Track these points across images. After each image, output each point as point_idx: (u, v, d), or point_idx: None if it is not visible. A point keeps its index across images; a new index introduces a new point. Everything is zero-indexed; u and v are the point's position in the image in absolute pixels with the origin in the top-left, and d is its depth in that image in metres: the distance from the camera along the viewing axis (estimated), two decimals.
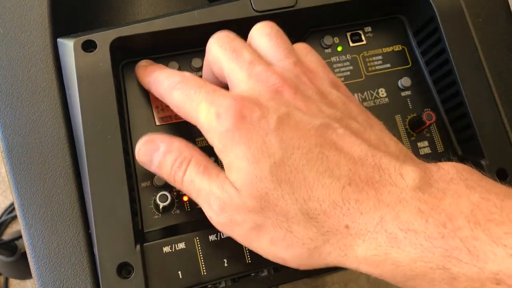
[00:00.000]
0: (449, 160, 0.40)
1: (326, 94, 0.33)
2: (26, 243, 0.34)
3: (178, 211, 0.38)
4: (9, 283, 0.99)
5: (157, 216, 0.37)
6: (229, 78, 0.33)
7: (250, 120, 0.30)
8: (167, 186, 0.38)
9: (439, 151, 0.42)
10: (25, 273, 0.86)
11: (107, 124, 0.34)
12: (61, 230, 0.34)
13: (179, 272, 0.35)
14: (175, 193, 0.38)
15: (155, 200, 0.36)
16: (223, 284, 0.37)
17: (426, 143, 0.42)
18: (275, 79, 0.31)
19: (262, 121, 0.30)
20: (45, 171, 0.35)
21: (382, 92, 0.43)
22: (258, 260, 0.36)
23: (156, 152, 0.33)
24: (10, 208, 1.02)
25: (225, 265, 0.35)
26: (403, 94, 0.43)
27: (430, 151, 0.42)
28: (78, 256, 0.34)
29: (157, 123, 0.39)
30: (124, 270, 0.33)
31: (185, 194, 0.38)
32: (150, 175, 0.38)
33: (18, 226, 1.03)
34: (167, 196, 0.36)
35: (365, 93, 0.42)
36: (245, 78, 0.32)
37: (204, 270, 0.35)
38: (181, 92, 0.33)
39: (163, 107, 0.39)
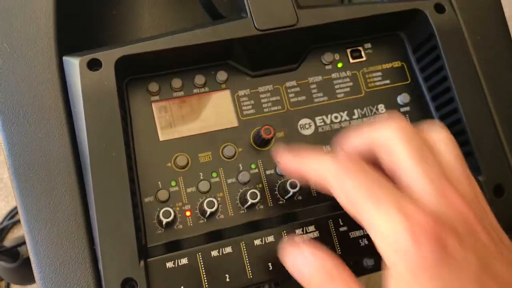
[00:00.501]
0: None
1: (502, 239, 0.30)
2: (32, 259, 0.34)
3: (181, 226, 0.38)
4: (11, 286, 1.00)
5: (160, 231, 0.38)
6: (410, 183, 0.29)
7: (451, 255, 0.26)
8: (170, 201, 0.38)
9: None
10: (26, 279, 0.87)
11: (112, 142, 0.35)
12: (66, 246, 0.35)
13: (182, 287, 0.35)
14: (177, 208, 0.38)
15: (158, 215, 0.37)
16: None
17: None
18: (467, 211, 0.28)
19: (463, 260, 0.26)
20: (51, 188, 0.35)
21: (381, 108, 0.43)
22: (260, 275, 0.36)
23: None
24: (12, 214, 1.02)
25: (227, 280, 0.36)
26: (402, 110, 0.44)
27: None
28: (83, 272, 0.34)
29: (161, 139, 0.40)
30: (128, 285, 0.34)
31: (188, 209, 0.39)
32: (155, 189, 0.38)
33: (20, 232, 1.04)
34: (170, 212, 0.36)
35: (365, 109, 0.43)
36: (433, 193, 0.28)
37: (206, 285, 0.36)
38: (358, 184, 0.28)
39: (168, 124, 0.40)
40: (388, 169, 0.31)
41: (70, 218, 0.35)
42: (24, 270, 0.85)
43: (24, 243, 0.82)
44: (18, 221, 1.03)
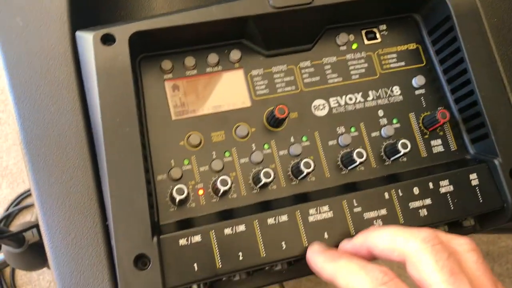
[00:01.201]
0: (463, 158, 0.41)
1: None
2: (44, 234, 0.34)
3: (193, 205, 0.38)
4: (16, 274, 1.00)
5: (172, 209, 0.38)
6: None
7: None
8: (183, 180, 0.38)
9: (452, 149, 0.42)
10: (32, 265, 0.86)
11: (126, 118, 0.35)
12: (78, 221, 0.34)
13: (195, 265, 0.35)
14: (190, 187, 0.38)
15: (171, 193, 0.36)
16: (237, 277, 0.37)
17: (439, 141, 0.42)
18: None
19: None
20: (63, 163, 0.35)
21: (396, 90, 0.43)
22: (273, 254, 0.36)
23: None
24: (17, 200, 1.02)
25: (240, 258, 0.36)
26: (417, 92, 0.43)
27: (443, 150, 0.42)
28: (95, 247, 0.34)
29: (173, 118, 0.39)
30: (140, 261, 0.34)
31: (200, 188, 0.38)
32: (167, 167, 0.38)
33: (26, 218, 1.04)
34: (183, 189, 0.36)
35: (380, 90, 0.43)
36: None
37: (220, 263, 0.35)
38: None
39: (181, 103, 0.40)
40: (416, 279, 0.31)
41: (83, 193, 0.35)
42: (29, 255, 0.85)
43: (30, 228, 0.82)
44: (24, 208, 1.03)
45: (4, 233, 0.75)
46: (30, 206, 1.03)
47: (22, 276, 1.00)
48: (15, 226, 0.88)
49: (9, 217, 1.02)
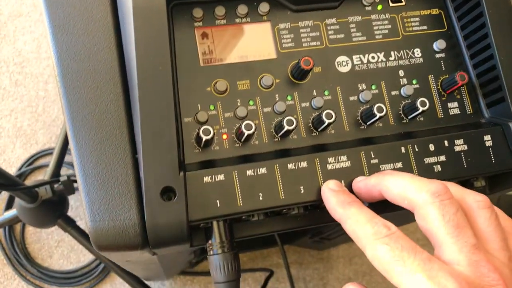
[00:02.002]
0: (478, 121, 0.42)
1: None
2: (75, 163, 0.36)
3: (217, 148, 0.40)
4: (25, 232, 1.02)
5: (197, 151, 0.39)
6: (442, 249, 0.32)
7: None
8: (209, 123, 0.40)
9: (467, 112, 0.44)
10: (42, 221, 0.88)
11: (159, 56, 0.36)
12: (109, 152, 0.36)
13: (217, 201, 0.37)
14: (215, 131, 0.40)
15: (198, 133, 0.38)
16: (255, 218, 0.39)
17: (456, 104, 0.43)
18: (497, 279, 0.30)
19: None
20: (97, 97, 0.37)
21: (417, 52, 0.44)
22: (292, 197, 0.38)
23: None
24: (30, 160, 1.04)
25: (260, 198, 0.37)
26: (437, 56, 0.44)
27: (459, 112, 0.43)
28: (125, 177, 0.36)
29: (201, 64, 0.41)
30: (167, 194, 0.35)
31: (224, 133, 0.40)
32: (194, 111, 0.39)
33: (37, 178, 1.05)
34: (209, 130, 0.37)
35: (401, 52, 0.44)
36: (464, 261, 0.30)
37: (241, 202, 0.37)
38: (390, 248, 0.31)
39: (209, 50, 0.41)
40: (423, 228, 0.33)
41: (115, 126, 0.36)
42: (41, 212, 0.86)
43: (43, 184, 0.84)
44: (36, 168, 1.05)
45: (19, 185, 0.77)
46: (43, 166, 1.04)
47: (31, 234, 1.03)
48: (29, 182, 0.90)
49: (22, 176, 1.04)
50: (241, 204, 0.37)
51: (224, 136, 0.40)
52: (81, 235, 0.92)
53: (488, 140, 0.41)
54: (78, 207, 1.05)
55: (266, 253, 1.08)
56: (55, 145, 0.95)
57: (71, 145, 0.36)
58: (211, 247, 0.38)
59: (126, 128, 0.36)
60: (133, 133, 0.37)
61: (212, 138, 0.38)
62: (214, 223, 0.38)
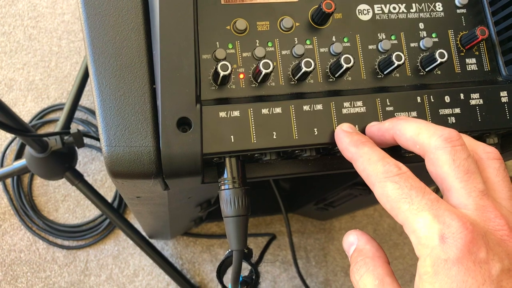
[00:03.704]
0: (495, 79, 0.42)
1: None
2: (94, 88, 0.36)
3: (233, 86, 0.40)
4: (33, 184, 1.03)
5: (214, 88, 0.39)
6: (451, 193, 0.32)
7: (475, 259, 0.28)
8: (227, 60, 0.40)
9: (485, 69, 0.43)
10: (51, 173, 0.89)
11: None
12: (128, 79, 0.36)
13: (232, 136, 0.37)
14: (232, 70, 0.40)
15: (216, 69, 0.38)
16: (268, 157, 0.39)
17: (474, 60, 0.43)
18: (503, 225, 0.30)
19: (484, 265, 0.28)
20: (118, 24, 0.37)
21: (439, 6, 0.44)
22: (305, 138, 0.38)
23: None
24: (41, 114, 1.05)
25: (274, 137, 0.37)
26: (458, 11, 0.44)
27: (476, 69, 0.43)
28: (142, 105, 0.36)
29: (222, 2, 0.41)
30: (183, 125, 0.36)
31: (242, 72, 0.40)
32: (212, 48, 0.40)
33: (47, 131, 1.06)
34: (227, 66, 0.37)
35: (423, 4, 0.44)
36: (471, 205, 0.31)
37: (254, 138, 0.37)
38: (399, 187, 0.31)
39: None
40: (432, 173, 0.33)
41: (134, 55, 0.36)
42: (50, 162, 0.87)
43: (54, 134, 0.85)
44: (47, 122, 1.05)
45: (31, 132, 0.77)
46: (53, 121, 1.05)
47: (39, 187, 1.04)
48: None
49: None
50: (255, 141, 0.37)
51: (241, 76, 0.40)
52: (88, 190, 0.93)
53: (504, 96, 0.41)
54: (86, 163, 1.06)
55: (269, 220, 1.09)
56: (66, 100, 0.96)
57: (90, 71, 0.36)
58: (223, 182, 0.38)
59: (146, 58, 0.37)
60: (152, 63, 0.37)
61: (230, 74, 0.38)
62: (227, 158, 0.38)
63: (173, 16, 0.36)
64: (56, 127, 0.94)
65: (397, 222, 0.32)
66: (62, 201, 1.04)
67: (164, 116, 0.35)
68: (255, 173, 0.41)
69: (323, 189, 0.81)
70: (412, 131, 0.34)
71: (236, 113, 0.37)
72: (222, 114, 0.37)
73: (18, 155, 1.02)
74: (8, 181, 1.02)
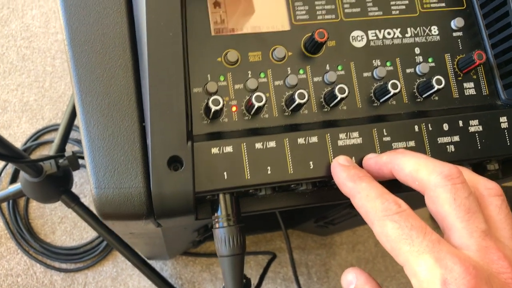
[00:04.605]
0: (494, 103, 0.41)
1: None
2: (82, 127, 0.35)
3: (226, 120, 0.39)
4: (29, 207, 1.02)
5: (206, 122, 0.38)
6: (452, 232, 0.31)
7: None
8: (218, 94, 0.39)
9: (484, 93, 0.42)
10: (46, 196, 0.88)
11: (170, 22, 0.35)
12: (116, 118, 0.35)
13: (225, 173, 0.36)
14: (225, 103, 0.39)
15: (207, 104, 0.37)
16: (263, 192, 0.38)
17: (471, 84, 0.42)
18: (506, 267, 0.29)
19: None
20: (105, 61, 0.36)
21: (434, 30, 0.43)
22: (300, 172, 0.37)
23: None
24: (36, 136, 1.03)
25: (269, 172, 0.36)
26: (454, 34, 0.43)
27: (474, 93, 0.42)
28: (131, 145, 0.35)
29: (213, 34, 0.40)
30: (174, 163, 0.35)
31: (234, 105, 0.39)
32: (203, 81, 0.39)
33: (42, 154, 1.05)
34: (219, 100, 0.36)
35: (418, 29, 0.43)
36: (473, 246, 0.30)
37: (249, 175, 0.36)
38: (399, 226, 0.30)
39: (221, 20, 0.40)
40: (432, 211, 0.32)
41: (122, 92, 0.35)
42: (45, 186, 0.86)
43: (49, 158, 0.83)
44: (41, 144, 1.04)
45: (24, 158, 0.76)
46: (48, 142, 1.04)
47: (35, 209, 1.02)
48: (34, 157, 0.89)
49: (27, 151, 1.03)
50: (249, 177, 0.36)
51: (234, 108, 0.39)
52: (85, 212, 0.92)
53: (504, 122, 0.40)
54: (83, 184, 1.05)
55: (269, 237, 1.08)
56: (61, 121, 0.95)
57: (78, 111, 0.35)
58: (217, 220, 0.37)
59: (134, 95, 0.36)
60: (141, 100, 0.36)
61: (221, 109, 0.37)
62: (221, 195, 0.37)
63: (162, 51, 0.35)
64: (51, 150, 0.93)
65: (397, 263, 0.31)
66: (59, 223, 1.02)
67: (154, 155, 0.34)
68: (250, 207, 0.40)
69: (323, 208, 0.80)
70: (411, 166, 0.33)
71: (229, 149, 0.36)
72: (215, 150, 0.36)
73: (13, 178, 1.01)
74: (4, 204, 1.01)
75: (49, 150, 0.99)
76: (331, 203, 0.42)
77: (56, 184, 0.88)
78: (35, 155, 1.05)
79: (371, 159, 0.36)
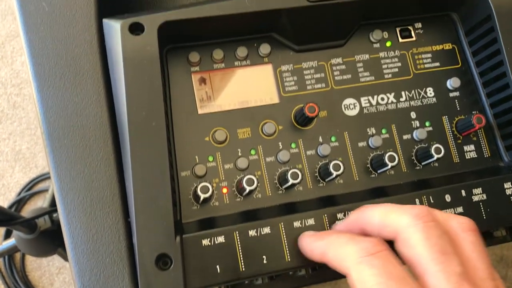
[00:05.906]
0: (496, 166, 0.39)
1: None
2: (64, 229, 0.33)
3: (217, 203, 0.37)
4: (26, 259, 0.99)
5: (195, 207, 0.36)
6: (427, 277, 0.29)
7: None
8: (207, 177, 0.37)
9: (485, 156, 0.41)
10: (42, 251, 0.86)
11: (152, 111, 0.33)
12: (100, 217, 0.33)
13: (217, 267, 0.34)
14: (214, 185, 0.37)
15: (195, 191, 0.35)
16: (260, 281, 0.36)
17: (472, 147, 0.41)
18: None
19: None
20: (86, 156, 0.34)
21: (430, 91, 0.41)
22: (298, 259, 0.35)
23: None
24: (30, 185, 1.02)
25: (264, 262, 0.34)
26: (451, 94, 0.41)
27: (476, 156, 0.40)
28: (117, 244, 0.33)
29: (200, 112, 0.38)
30: (162, 261, 0.33)
31: (225, 186, 0.37)
32: (191, 163, 0.37)
33: (37, 203, 1.03)
34: (208, 188, 0.35)
35: (413, 91, 0.41)
36: None
37: (243, 266, 0.34)
38: (377, 273, 0.28)
39: (207, 97, 0.38)
40: (404, 256, 0.30)
41: (105, 188, 0.33)
42: (40, 242, 0.84)
43: (42, 215, 0.81)
44: (36, 193, 1.02)
45: (17, 219, 0.74)
46: (42, 191, 1.02)
47: (32, 262, 1.00)
48: (27, 211, 0.87)
49: (21, 202, 1.01)
50: (243, 269, 0.34)
51: (224, 190, 0.37)
52: None
53: (508, 188, 0.38)
54: None
55: None
56: None
57: (59, 210, 0.33)
58: None
59: (118, 189, 0.34)
60: (125, 195, 0.34)
61: (211, 195, 0.35)
62: None
63: (145, 142, 0.33)
64: (45, 201, 0.91)
65: None
66: (57, 274, 1.00)
67: (141, 255, 0.32)
68: None
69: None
70: (380, 215, 0.31)
71: (220, 239, 0.34)
72: (206, 242, 0.34)
73: (8, 233, 0.99)
74: None
75: (43, 201, 0.97)
76: (334, 280, 0.40)
77: (51, 238, 0.85)
78: (29, 206, 1.03)
79: (340, 224, 0.34)
